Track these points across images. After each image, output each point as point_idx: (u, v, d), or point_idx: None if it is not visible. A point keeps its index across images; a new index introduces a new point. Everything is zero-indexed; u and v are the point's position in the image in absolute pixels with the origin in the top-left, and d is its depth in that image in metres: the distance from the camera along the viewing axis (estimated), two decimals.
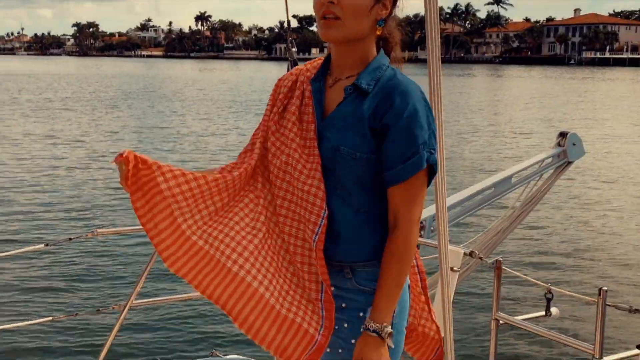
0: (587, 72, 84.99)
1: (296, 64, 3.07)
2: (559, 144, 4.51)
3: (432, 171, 1.80)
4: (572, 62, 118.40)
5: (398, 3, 1.89)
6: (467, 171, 16.17)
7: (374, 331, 1.74)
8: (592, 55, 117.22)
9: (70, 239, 3.37)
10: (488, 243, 4.09)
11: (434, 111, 1.89)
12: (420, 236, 3.40)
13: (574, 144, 4.51)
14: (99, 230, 3.26)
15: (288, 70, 3.02)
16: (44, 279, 8.21)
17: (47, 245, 3.25)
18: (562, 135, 4.54)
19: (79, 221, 11.08)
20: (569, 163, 4.51)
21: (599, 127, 25.83)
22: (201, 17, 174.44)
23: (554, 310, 3.38)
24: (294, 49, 3.06)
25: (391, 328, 1.76)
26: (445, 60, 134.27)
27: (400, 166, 1.75)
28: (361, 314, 1.85)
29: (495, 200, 4.27)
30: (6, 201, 12.41)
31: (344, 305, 1.88)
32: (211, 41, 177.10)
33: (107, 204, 12.25)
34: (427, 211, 3.55)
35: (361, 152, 1.78)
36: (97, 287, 8.01)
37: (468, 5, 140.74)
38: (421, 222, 3.65)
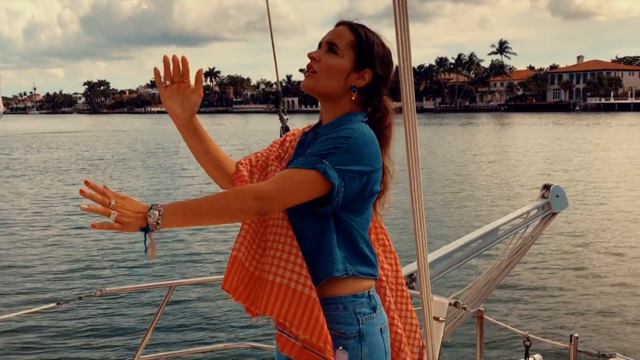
0: (593, 118, 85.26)
1: (287, 130, 3.41)
2: (543, 196, 4.71)
3: (329, 185, 1.83)
4: (578, 108, 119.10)
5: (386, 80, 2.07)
6: (460, 221, 16.37)
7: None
8: (597, 102, 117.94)
9: (80, 297, 3.59)
10: (477, 294, 4.26)
11: (410, 161, 2.01)
12: (412, 288, 3.57)
13: (557, 196, 4.70)
14: (107, 288, 3.49)
15: (281, 135, 3.35)
16: (56, 336, 8.42)
17: (58, 304, 3.46)
18: (546, 187, 4.74)
19: (88, 279, 11.30)
20: (554, 214, 4.70)
21: (590, 176, 25.79)
22: (210, 73, 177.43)
23: (537, 356, 3.53)
24: (285, 117, 3.41)
25: None
26: (450, 110, 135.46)
27: (296, 160, 1.90)
28: None
29: (483, 251, 4.44)
30: (17, 261, 12.65)
31: None
32: (220, 96, 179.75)
33: (114, 262, 12.48)
34: (414, 266, 3.73)
35: None
36: (107, 342, 8.19)
37: (472, 55, 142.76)
38: (412, 275, 3.83)
